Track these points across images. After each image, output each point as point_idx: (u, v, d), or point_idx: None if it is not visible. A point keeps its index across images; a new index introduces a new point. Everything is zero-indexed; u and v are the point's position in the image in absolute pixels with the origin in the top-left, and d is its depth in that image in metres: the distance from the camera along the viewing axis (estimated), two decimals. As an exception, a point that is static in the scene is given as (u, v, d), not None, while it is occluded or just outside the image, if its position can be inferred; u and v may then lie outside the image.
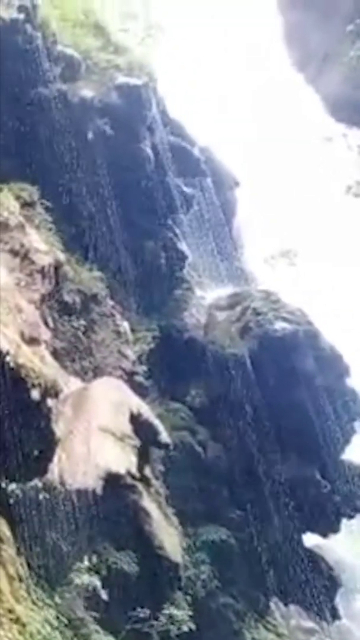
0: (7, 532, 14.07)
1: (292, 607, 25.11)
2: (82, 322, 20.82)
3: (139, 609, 16.56)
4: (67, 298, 20.39)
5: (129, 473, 17.34)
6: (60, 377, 16.70)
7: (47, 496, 15.21)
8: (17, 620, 12.81)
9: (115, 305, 22.58)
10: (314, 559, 24.57)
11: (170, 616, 17.35)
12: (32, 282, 18.16)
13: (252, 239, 33.55)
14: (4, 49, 21.58)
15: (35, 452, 14.20)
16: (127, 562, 16.90)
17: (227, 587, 20.99)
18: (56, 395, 14.54)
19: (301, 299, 27.17)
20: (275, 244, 33.51)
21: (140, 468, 17.92)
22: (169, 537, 18.44)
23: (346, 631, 28.71)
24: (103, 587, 15.91)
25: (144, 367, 22.44)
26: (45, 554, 15.07)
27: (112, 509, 16.82)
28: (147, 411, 19.04)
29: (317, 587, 24.02)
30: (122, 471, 17.16)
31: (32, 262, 18.45)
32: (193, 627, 17.69)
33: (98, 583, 15.82)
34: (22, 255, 18.37)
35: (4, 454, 13.72)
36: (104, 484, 16.43)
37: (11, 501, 14.39)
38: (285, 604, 24.62)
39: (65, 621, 14.65)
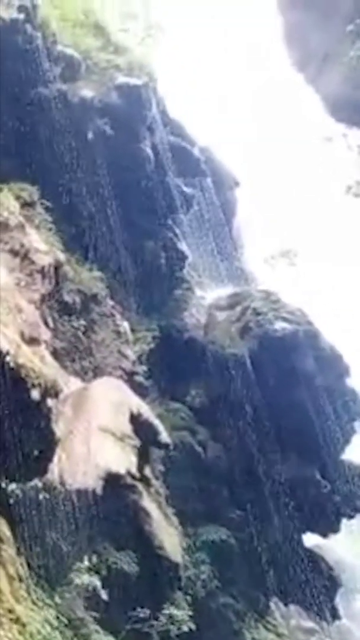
0: (7, 532, 14.07)
1: (292, 607, 25.11)
2: (82, 322, 20.83)
3: (139, 609, 16.56)
4: (67, 298, 20.39)
5: (129, 473, 17.34)
6: (60, 377, 16.70)
7: (47, 496, 15.21)
8: (17, 620, 12.81)
9: (115, 305, 22.59)
10: (314, 559, 24.57)
11: (170, 616, 17.35)
12: (32, 282, 18.16)
13: (252, 239, 33.56)
14: (4, 49, 21.59)
15: (35, 452, 14.20)
16: (127, 562, 16.90)
17: (227, 587, 21.00)
18: (56, 395, 14.54)
19: (301, 299, 27.19)
20: (275, 244, 33.53)
21: (140, 468, 17.92)
22: (169, 537, 18.44)
23: (346, 631, 28.71)
24: (103, 587, 15.91)
25: (144, 367, 22.44)
26: (45, 554, 15.07)
27: (112, 509, 16.82)
28: (147, 411, 19.04)
29: (317, 587, 24.02)
30: (122, 471, 17.16)
31: (32, 262, 18.45)
32: (193, 627, 17.69)
33: (98, 583, 15.82)
34: (22, 255, 18.37)
35: (4, 454, 13.72)
36: (104, 484, 16.43)
37: (11, 501, 14.39)
38: (285, 604, 24.62)
39: (65, 621, 14.65)
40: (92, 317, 21.41)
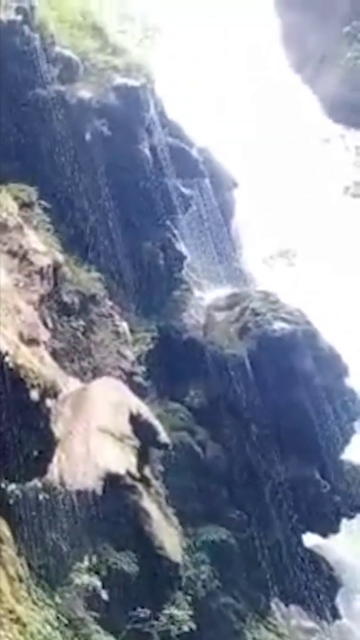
0: (7, 533, 14.09)
1: (292, 607, 25.10)
2: (81, 322, 20.84)
3: (139, 609, 16.56)
4: (66, 299, 20.40)
5: (128, 473, 17.35)
6: (60, 377, 16.70)
7: (47, 496, 15.22)
8: (17, 621, 12.81)
9: (114, 306, 22.59)
10: (314, 559, 24.56)
11: (171, 616, 17.36)
12: (31, 283, 18.16)
13: (251, 240, 33.57)
14: (2, 50, 21.66)
15: (35, 453, 14.20)
16: (127, 562, 16.91)
17: (227, 587, 20.99)
18: (55, 395, 14.55)
19: (300, 300, 27.19)
20: (273, 245, 33.56)
21: (139, 468, 17.93)
22: (169, 537, 18.44)
23: (347, 631, 28.70)
24: (103, 587, 15.92)
25: (143, 368, 22.45)
26: (45, 554, 15.07)
27: (112, 509, 16.82)
28: (146, 411, 19.05)
29: (317, 587, 24.01)
30: (122, 471, 17.16)
31: (31, 263, 18.46)
32: (193, 627, 17.70)
33: (98, 583, 15.82)
34: (21, 256, 18.38)
35: (3, 455, 13.72)
36: (104, 485, 16.43)
37: (11, 502, 14.40)
38: (286, 604, 24.61)
39: (66, 621, 14.65)
40: (91, 317, 21.43)
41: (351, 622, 29.51)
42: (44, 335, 17.38)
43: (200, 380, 23.69)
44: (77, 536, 15.83)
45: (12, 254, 18.25)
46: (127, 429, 17.92)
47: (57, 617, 14.44)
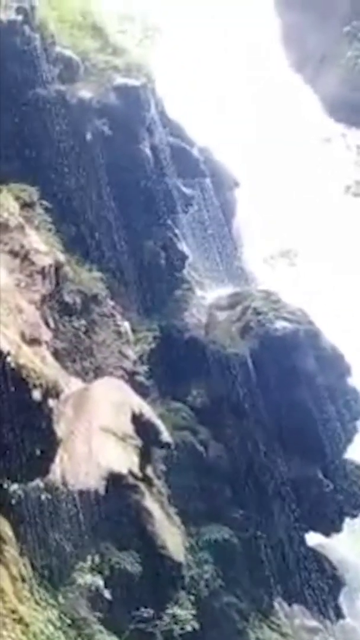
0: (10, 533, 14.07)
1: (295, 606, 25.12)
2: (83, 322, 20.83)
3: (142, 609, 16.55)
4: (68, 298, 20.38)
5: (131, 473, 17.34)
6: (61, 377, 16.68)
7: (49, 496, 15.21)
8: (20, 620, 12.80)
9: (116, 306, 22.57)
10: (317, 558, 24.56)
11: (174, 616, 17.36)
12: (33, 283, 18.15)
13: (252, 239, 33.58)
14: (3, 50, 21.63)
15: (37, 453, 14.17)
16: (130, 562, 16.91)
17: (230, 587, 20.99)
18: (57, 395, 14.52)
19: (301, 299, 27.21)
20: (275, 244, 33.60)
21: (142, 468, 17.92)
22: (172, 537, 18.44)
23: (350, 630, 28.75)
24: (106, 586, 15.92)
25: (145, 367, 22.43)
26: (48, 554, 15.08)
27: (114, 509, 16.82)
28: (148, 411, 19.04)
29: (320, 586, 24.00)
30: (124, 471, 17.16)
31: (32, 263, 18.44)
32: (196, 626, 17.70)
33: (101, 583, 15.82)
34: (22, 256, 18.37)
35: (5, 455, 13.71)
36: (106, 484, 16.42)
37: (13, 502, 14.39)
38: (289, 603, 24.64)
39: (69, 621, 14.65)
40: (92, 317, 21.41)
41: (354, 621, 29.56)
42: (46, 335, 17.35)
43: (202, 380, 23.68)
44: (80, 536, 15.83)
45: (14, 254, 18.24)
46: (129, 428, 17.91)
47: (60, 617, 14.43)
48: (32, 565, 14.54)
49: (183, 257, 26.89)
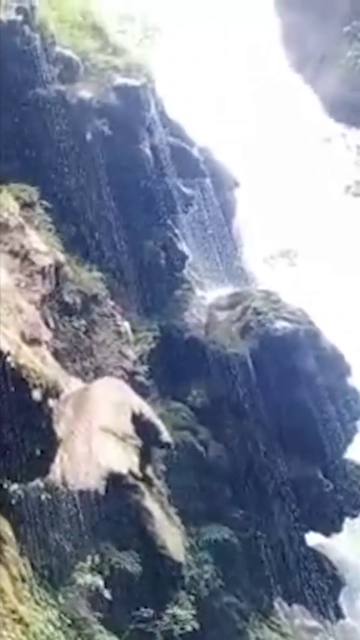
0: (10, 533, 14.07)
1: (295, 606, 25.12)
2: (83, 322, 20.83)
3: (142, 609, 16.56)
4: (68, 298, 20.38)
5: (131, 473, 17.34)
6: (61, 377, 16.68)
7: (49, 496, 15.21)
8: (20, 621, 12.80)
9: (116, 306, 22.57)
10: (317, 558, 24.56)
11: (174, 616, 17.36)
12: (33, 283, 18.15)
13: (252, 239, 33.58)
14: (3, 50, 21.62)
15: (37, 453, 14.17)
16: (130, 562, 16.91)
17: (230, 587, 20.99)
18: (57, 395, 14.51)
19: (301, 299, 27.21)
20: (275, 244, 33.60)
21: (142, 468, 17.91)
22: (172, 537, 18.44)
23: (350, 630, 28.74)
24: (106, 586, 15.92)
25: (145, 367, 22.43)
26: (48, 554, 15.08)
27: (114, 509, 16.82)
28: (148, 411, 19.04)
29: (320, 586, 24.00)
30: (124, 471, 17.16)
31: (32, 263, 18.44)
32: (196, 626, 17.70)
33: (101, 583, 15.83)
34: (22, 256, 18.37)
35: (5, 455, 13.70)
36: (106, 484, 16.42)
37: (13, 502, 14.39)
38: (289, 603, 24.63)
39: (69, 621, 14.65)
40: (92, 317, 21.41)
41: (354, 621, 29.55)
42: (46, 335, 17.35)
43: (202, 380, 23.68)
44: (80, 536, 15.83)
45: (14, 254, 18.24)
46: (129, 428, 17.91)
47: (60, 617, 14.43)
48: (32, 565, 14.53)
49: (183, 257, 26.89)
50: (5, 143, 21.07)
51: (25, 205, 20.11)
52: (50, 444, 14.41)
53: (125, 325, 22.38)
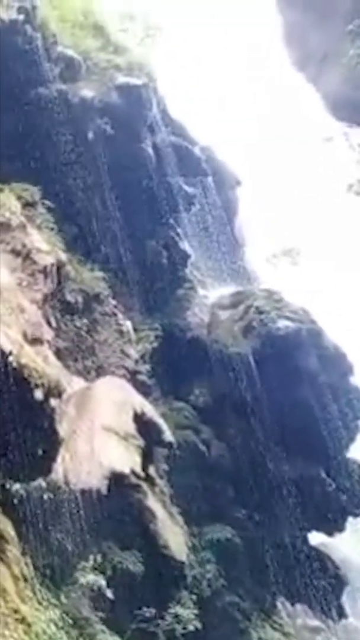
0: (12, 532, 14.08)
1: (298, 606, 25.07)
2: (85, 321, 20.83)
3: (144, 608, 16.57)
4: (70, 298, 20.38)
5: (133, 472, 17.33)
6: (63, 376, 16.69)
7: (52, 496, 15.23)
8: (22, 620, 12.80)
9: (118, 305, 22.55)
10: (320, 557, 24.52)
11: (176, 615, 17.37)
12: (34, 282, 18.15)
13: (254, 238, 33.54)
14: (4, 49, 21.62)
15: (39, 452, 14.20)
16: (132, 562, 16.91)
17: (233, 586, 20.97)
18: (59, 395, 14.53)
19: (304, 298, 27.17)
20: (277, 243, 33.57)
21: (144, 467, 17.91)
22: (174, 536, 18.43)
23: (353, 630, 28.68)
24: (108, 586, 15.94)
25: (147, 366, 22.43)
26: (50, 554, 15.09)
27: (116, 508, 16.82)
28: (150, 410, 19.03)
29: (323, 586, 23.97)
30: (126, 470, 17.15)
31: (34, 262, 18.45)
32: (199, 626, 17.71)
33: (103, 582, 15.84)
34: (24, 255, 18.37)
35: (8, 454, 13.70)
36: (109, 484, 16.43)
37: (15, 501, 14.41)
38: (292, 603, 24.59)
39: (71, 621, 14.67)
40: (94, 316, 21.40)
41: (357, 621, 29.48)
42: (48, 334, 17.36)
43: (204, 379, 23.67)
44: (82, 535, 15.82)
45: (16, 253, 18.25)
46: (131, 427, 17.89)
47: (62, 617, 14.44)
48: (34, 565, 14.54)
49: (185, 256, 26.84)
50: (7, 142, 21.06)
51: (27, 205, 20.13)
52: (52, 443, 14.43)
53: (127, 325, 22.37)
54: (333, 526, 25.57)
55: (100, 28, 26.70)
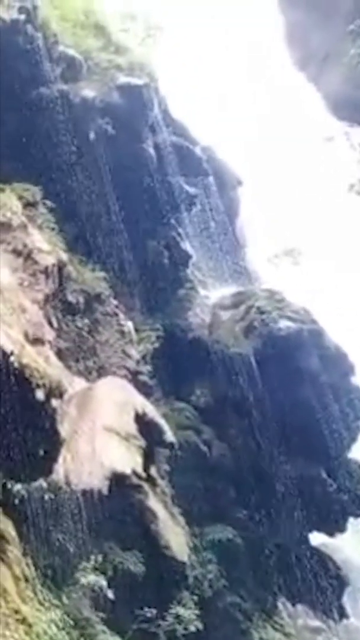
0: (13, 533, 14.09)
1: (299, 606, 25.04)
2: (86, 321, 20.81)
3: (145, 609, 16.57)
4: (71, 298, 20.36)
5: (134, 473, 17.31)
6: (65, 377, 16.69)
7: (53, 496, 15.22)
8: (23, 621, 12.80)
9: (119, 305, 22.54)
10: (321, 558, 24.53)
11: (177, 616, 17.35)
12: (36, 282, 18.15)
13: (255, 238, 33.52)
14: (5, 49, 21.60)
15: (40, 452, 14.19)
16: (133, 562, 16.90)
17: (234, 587, 20.95)
18: (61, 395, 14.52)
19: (305, 298, 27.15)
20: (278, 243, 33.56)
21: (145, 468, 17.89)
22: (175, 537, 18.42)
23: (354, 630, 28.63)
24: (109, 586, 15.94)
25: (148, 367, 22.42)
26: (51, 554, 15.08)
27: (117, 508, 16.81)
28: (151, 411, 19.02)
29: (324, 586, 23.98)
30: (128, 471, 17.14)
31: (35, 262, 18.44)
32: (200, 626, 17.70)
33: (104, 583, 15.84)
34: (25, 255, 18.36)
35: (9, 455, 13.69)
36: (110, 484, 16.42)
37: (16, 501, 14.41)
38: (293, 604, 24.56)
39: (72, 621, 14.66)
40: (95, 316, 21.38)
41: (358, 621, 29.43)
42: (49, 334, 17.35)
43: (205, 379, 23.65)
44: (83, 536, 15.81)
45: (17, 253, 18.24)
46: (132, 428, 17.88)
47: (63, 617, 14.43)
48: (35, 565, 14.54)
49: (186, 257, 26.82)
50: (8, 142, 21.05)
51: (28, 205, 20.12)
52: (53, 443, 14.41)
53: (129, 325, 22.35)
54: (334, 527, 25.57)
55: (102, 28, 26.67)
